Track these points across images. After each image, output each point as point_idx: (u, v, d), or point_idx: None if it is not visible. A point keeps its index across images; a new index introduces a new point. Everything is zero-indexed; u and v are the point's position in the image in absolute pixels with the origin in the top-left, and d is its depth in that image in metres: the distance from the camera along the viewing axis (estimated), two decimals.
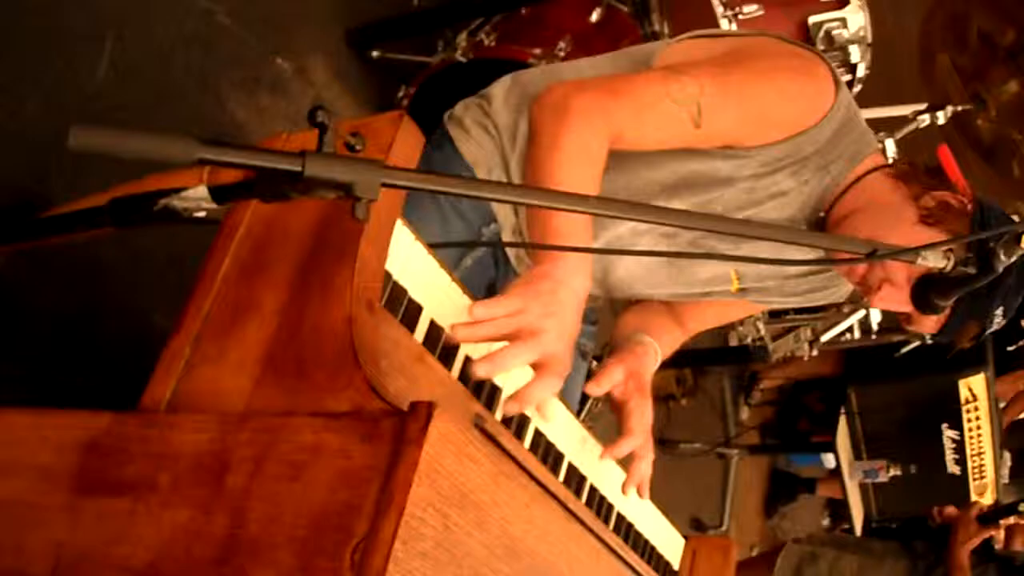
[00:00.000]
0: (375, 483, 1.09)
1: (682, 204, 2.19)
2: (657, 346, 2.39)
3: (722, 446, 6.79)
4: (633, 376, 2.24)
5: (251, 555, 1.17)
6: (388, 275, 1.55)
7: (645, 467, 2.13)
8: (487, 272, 2.40)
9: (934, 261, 1.68)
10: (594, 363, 2.79)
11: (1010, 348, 6.00)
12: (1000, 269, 1.69)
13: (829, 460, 7.10)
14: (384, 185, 1.17)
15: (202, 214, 1.43)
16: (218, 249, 1.56)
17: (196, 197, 1.37)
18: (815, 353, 4.85)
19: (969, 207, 2.11)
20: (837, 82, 2.14)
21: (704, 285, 2.43)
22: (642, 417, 2.16)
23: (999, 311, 2.06)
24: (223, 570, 1.19)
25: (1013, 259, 1.69)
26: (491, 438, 1.52)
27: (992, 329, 2.10)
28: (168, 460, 1.35)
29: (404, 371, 1.46)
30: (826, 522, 8.64)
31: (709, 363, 5.90)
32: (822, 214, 2.22)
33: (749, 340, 4.79)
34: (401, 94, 3.70)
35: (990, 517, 4.72)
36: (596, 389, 2.12)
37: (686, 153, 2.15)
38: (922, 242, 1.97)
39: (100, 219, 1.59)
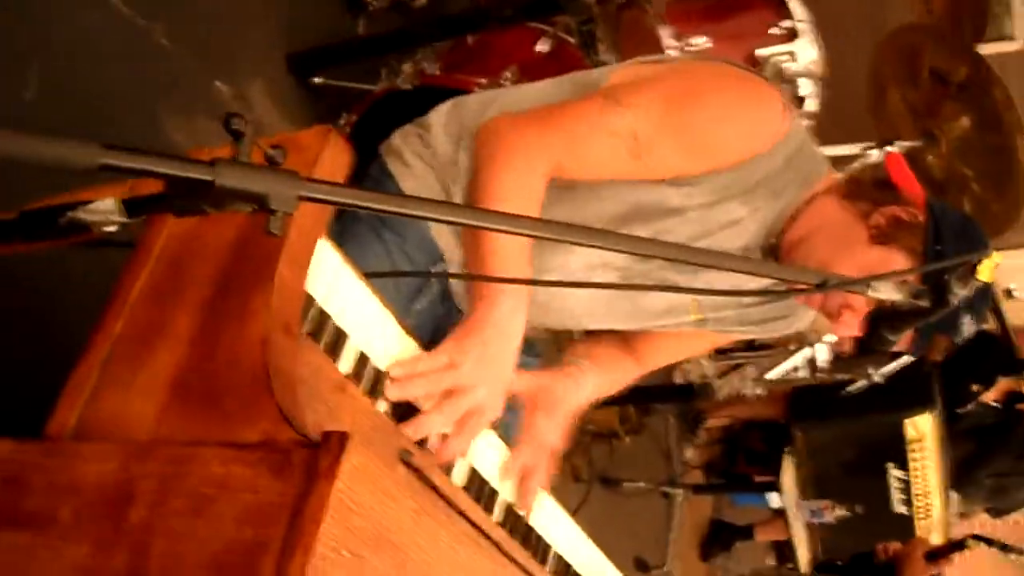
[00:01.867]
0: (283, 520, 1.01)
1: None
2: (597, 373, 2.33)
3: (666, 485, 6.72)
4: (543, 391, 2.17)
5: None
6: (311, 300, 1.47)
7: (536, 481, 2.01)
8: (436, 314, 2.31)
9: (886, 293, 1.61)
10: None
11: (959, 410, 6.00)
12: (955, 303, 1.64)
13: (773, 500, 7.05)
14: (302, 198, 1.09)
15: (112, 228, 1.34)
16: (132, 268, 1.48)
17: (105, 210, 1.29)
18: (760, 391, 4.78)
19: (921, 218, 2.06)
20: (788, 108, 2.09)
21: (660, 317, 2.36)
22: (537, 433, 2.10)
23: (966, 319, 1.98)
24: None
25: (968, 292, 1.64)
26: (419, 474, 1.45)
27: (964, 337, 2.03)
28: (70, 491, 1.26)
29: (324, 401, 1.38)
30: (771, 562, 8.58)
31: (654, 401, 5.82)
32: (774, 240, 2.17)
33: (694, 378, 4.73)
34: (343, 121, 3.61)
35: (938, 555, 4.69)
36: None
37: (633, 183, 2.10)
38: (875, 263, 1.98)
39: (10, 233, 1.51)
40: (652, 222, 2.12)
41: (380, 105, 3.61)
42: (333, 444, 1.02)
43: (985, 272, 1.72)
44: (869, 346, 1.89)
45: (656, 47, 3.77)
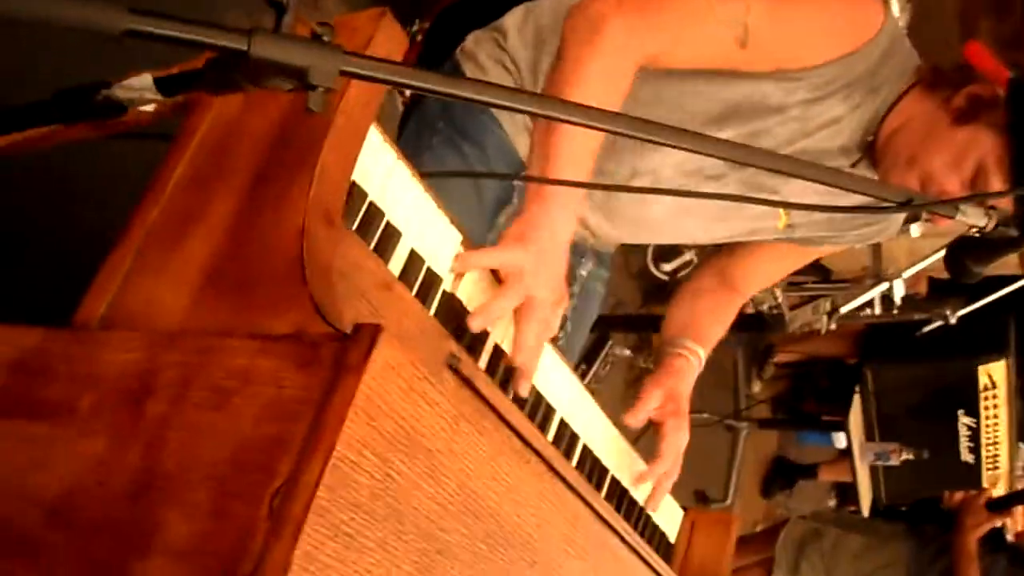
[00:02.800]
0: (306, 417, 0.92)
1: (729, 136, 2.06)
2: (701, 351, 2.37)
3: (731, 418, 6.62)
4: (671, 398, 2.22)
5: (164, 492, 1.01)
6: (364, 194, 1.39)
7: (667, 485, 2.16)
8: None
9: (974, 217, 1.51)
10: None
11: None
12: None
13: (839, 440, 6.94)
14: (344, 73, 1.00)
15: (149, 108, 1.27)
16: (173, 154, 1.40)
17: (140, 87, 1.22)
18: (833, 326, 4.64)
19: (1001, 92, 1.99)
20: (885, 1, 2.06)
21: (751, 221, 2.33)
22: (675, 441, 2.18)
23: None
24: (134, 508, 1.03)
25: None
26: (467, 381, 1.36)
27: None
28: (92, 381, 1.20)
29: (367, 298, 1.29)
30: (832, 503, 8.49)
31: None
32: (870, 138, 2.12)
33: (766, 308, 4.60)
34: (415, 28, 3.51)
35: (1001, 505, 4.57)
36: (634, 420, 2.13)
37: (733, 78, 2.03)
38: (962, 145, 1.99)
39: (49, 113, 1.44)
40: (750, 121, 2.06)
41: (453, 11, 3.50)
42: (364, 337, 0.93)
43: None
44: (955, 278, 1.79)
45: None
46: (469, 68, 2.24)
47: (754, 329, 4.88)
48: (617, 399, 5.27)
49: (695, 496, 6.32)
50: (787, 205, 2.13)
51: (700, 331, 2.42)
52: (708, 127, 2.05)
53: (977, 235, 1.58)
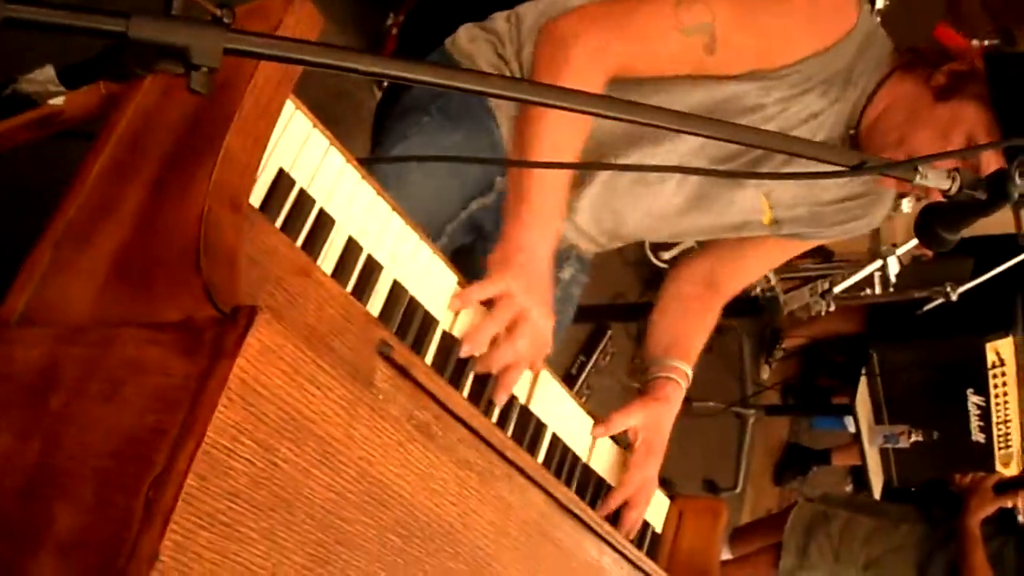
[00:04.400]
0: (184, 405, 0.90)
1: None
2: (688, 370, 2.36)
3: (738, 406, 6.56)
4: (652, 428, 2.21)
5: (56, 487, 0.99)
6: (292, 182, 1.38)
7: (635, 516, 2.13)
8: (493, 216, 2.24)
9: (935, 180, 1.47)
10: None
11: None
12: (1016, 196, 1.50)
13: (852, 424, 6.88)
14: (228, 51, 0.98)
15: (59, 100, 1.25)
16: (94, 149, 1.37)
17: (44, 79, 1.20)
18: (832, 308, 4.60)
19: (979, 64, 2.00)
20: None
21: (737, 215, 2.31)
22: (639, 472, 2.15)
23: None
24: (28, 504, 1.01)
25: None
26: (402, 370, 1.34)
27: None
28: (4, 379, 1.17)
29: (282, 285, 1.25)
30: (848, 488, 8.42)
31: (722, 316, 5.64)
32: (852, 131, 2.13)
33: (759, 291, 4.55)
34: (389, 22, 3.48)
35: (1008, 487, 4.52)
36: (603, 431, 2.12)
37: (710, 83, 2.04)
38: (947, 120, 1.99)
39: None
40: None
41: (429, 5, 3.46)
42: (240, 319, 0.91)
43: None
44: (927, 246, 1.75)
45: None
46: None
47: (750, 314, 4.84)
48: (617, 390, 5.24)
49: (704, 485, 6.27)
50: (766, 176, 2.15)
51: (688, 349, 2.40)
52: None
53: (945, 203, 1.55)
